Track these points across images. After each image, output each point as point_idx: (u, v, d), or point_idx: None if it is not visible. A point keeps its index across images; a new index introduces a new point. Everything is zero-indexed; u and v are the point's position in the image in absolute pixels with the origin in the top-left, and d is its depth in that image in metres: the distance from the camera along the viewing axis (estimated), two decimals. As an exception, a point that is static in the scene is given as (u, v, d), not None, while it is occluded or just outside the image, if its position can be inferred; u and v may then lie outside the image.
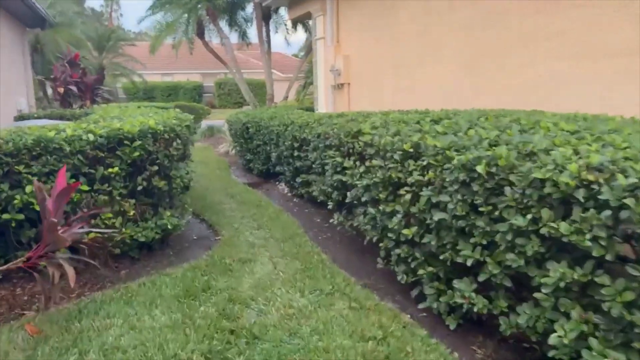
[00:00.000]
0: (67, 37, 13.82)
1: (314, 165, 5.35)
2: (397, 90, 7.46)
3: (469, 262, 2.58)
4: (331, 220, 4.69)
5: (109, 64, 17.94)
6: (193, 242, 5.06)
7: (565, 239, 2.06)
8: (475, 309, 2.69)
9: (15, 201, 3.52)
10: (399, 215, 3.19)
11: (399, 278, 3.46)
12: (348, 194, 4.04)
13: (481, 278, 2.55)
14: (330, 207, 4.77)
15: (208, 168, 9.73)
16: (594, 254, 1.95)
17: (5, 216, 3.53)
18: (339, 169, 4.23)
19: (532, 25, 5.00)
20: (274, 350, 2.80)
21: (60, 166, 3.68)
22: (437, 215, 2.72)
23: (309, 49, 16.64)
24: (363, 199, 3.68)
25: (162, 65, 33.29)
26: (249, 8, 16.86)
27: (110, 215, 3.98)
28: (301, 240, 4.80)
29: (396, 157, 3.13)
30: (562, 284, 2.11)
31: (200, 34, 16.01)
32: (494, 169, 2.36)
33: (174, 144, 4.41)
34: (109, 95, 11.53)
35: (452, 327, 3.02)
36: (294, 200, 6.85)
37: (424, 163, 2.87)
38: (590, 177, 1.97)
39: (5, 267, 3.11)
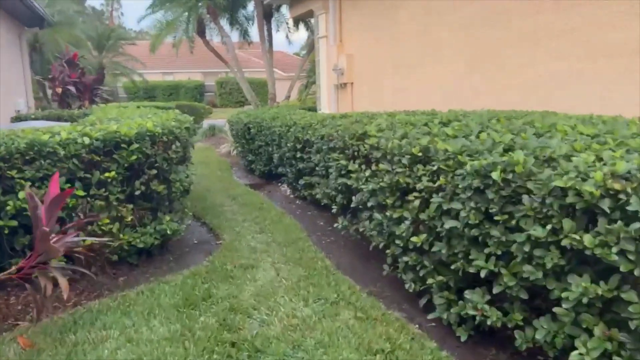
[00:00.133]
0: (66, 36, 13.69)
1: (317, 168, 5.22)
2: (400, 90, 7.33)
3: (482, 274, 2.44)
4: (335, 225, 4.55)
5: (109, 64, 17.81)
6: (193, 246, 4.93)
7: (588, 252, 1.93)
8: (488, 322, 2.55)
9: (8, 207, 3.40)
10: (407, 222, 3.06)
11: (406, 286, 3.33)
12: (353, 198, 3.90)
13: (496, 290, 2.42)
14: (334, 211, 4.64)
15: (209, 169, 9.61)
16: (622, 269, 1.82)
17: (-3, 223, 3.40)
18: (343, 172, 4.09)
19: (532, 25, 4.88)
20: (277, 364, 2.68)
21: (55, 171, 3.56)
22: (449, 223, 2.58)
23: (310, 47, 16.50)
24: (369, 204, 3.55)
25: (163, 64, 33.16)
26: (250, 6, 16.71)
27: (107, 221, 3.85)
28: (304, 245, 4.67)
29: (404, 161, 3.00)
30: (584, 300, 1.97)
31: (201, 32, 15.86)
32: (510, 176, 2.22)
33: (173, 146, 4.28)
34: (108, 95, 11.40)
35: (462, 338, 2.88)
36: (297, 202, 6.72)
37: (434, 168, 2.74)
38: (617, 186, 1.83)
39: (-4, 277, 2.99)
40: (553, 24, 4.62)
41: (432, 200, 2.73)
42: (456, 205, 2.53)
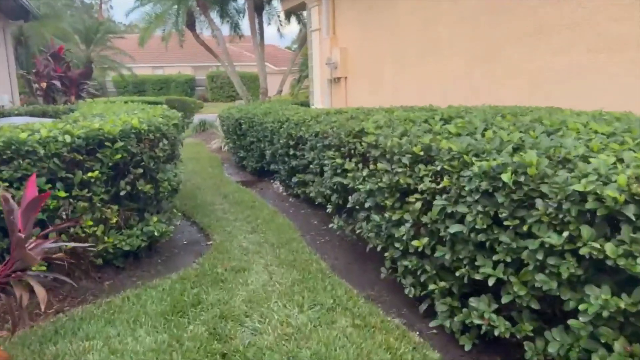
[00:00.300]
0: (52, 29, 13.35)
1: (311, 166, 5.04)
2: (397, 85, 7.15)
3: (490, 282, 2.28)
4: (330, 225, 4.38)
5: (97, 57, 17.44)
6: (183, 247, 4.75)
7: (610, 262, 1.77)
8: (496, 332, 2.39)
9: (-16, 210, 3.19)
10: (408, 225, 2.89)
11: (406, 291, 3.18)
12: (350, 198, 3.73)
13: (505, 299, 2.26)
14: (329, 210, 4.46)
15: (200, 165, 9.41)
16: (648, 281, 1.66)
17: (-28, 226, 3.20)
18: (339, 171, 3.92)
19: (534, 19, 4.72)
20: (271, 379, 2.51)
21: (34, 171, 3.36)
22: (454, 228, 2.42)
23: (302, 41, 16.28)
24: (366, 205, 3.38)
25: (153, 58, 32.78)
26: (241, -1, 16.47)
27: (91, 223, 3.65)
28: (298, 246, 4.50)
29: (405, 160, 2.83)
30: (605, 313, 1.81)
31: (191, 25, 15.59)
32: (522, 178, 2.06)
33: (160, 144, 4.08)
34: (96, 90, 11.11)
35: (467, 347, 2.72)
36: (290, 200, 6.54)
37: (437, 168, 2.57)
38: (643, 191, 1.67)
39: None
40: (555, 17, 4.46)
41: (435, 202, 2.57)
42: (462, 208, 2.37)
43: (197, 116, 18.43)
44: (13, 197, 3.23)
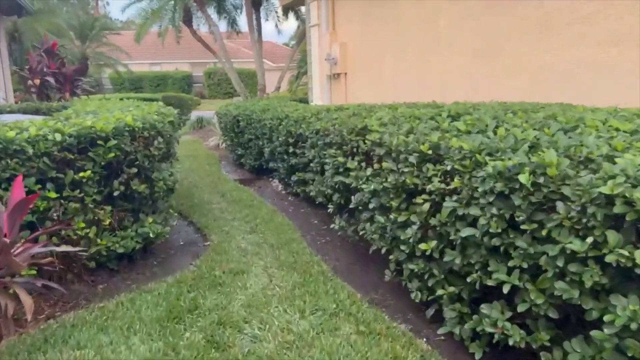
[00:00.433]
0: (47, 25, 13.15)
1: (311, 164, 4.89)
2: (398, 81, 7.00)
3: (505, 289, 2.14)
4: (332, 226, 4.24)
5: (92, 54, 17.23)
6: (179, 248, 4.61)
7: (639, 271, 1.64)
8: (510, 342, 2.26)
9: (-30, 212, 3.04)
10: (415, 227, 2.75)
11: (412, 296, 3.04)
12: (352, 198, 3.59)
13: (521, 308, 2.12)
14: (330, 210, 4.32)
15: (197, 163, 9.26)
16: (684, 292, 1.53)
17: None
18: (340, 170, 3.78)
19: (540, 12, 4.58)
20: (272, 392, 2.38)
21: (22, 171, 3.21)
22: (465, 232, 2.28)
23: (300, 37, 16.11)
24: (370, 206, 3.24)
25: (150, 54, 32.52)
26: (238, -6, 16.28)
27: (83, 224, 3.51)
28: (298, 247, 4.36)
29: (412, 159, 2.69)
30: (633, 325, 1.68)
31: (188, 21, 15.39)
32: (541, 180, 1.92)
33: (155, 142, 3.93)
34: (90, 87, 10.92)
35: (477, 356, 2.58)
36: (289, 198, 6.40)
37: (447, 168, 2.43)
38: (677, 194, 1.54)
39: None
40: (563, 10, 4.32)
41: (444, 204, 2.43)
42: (474, 211, 2.23)
43: (194, 113, 18.24)
44: (1, 198, 3.10)
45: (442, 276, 2.71)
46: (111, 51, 18.51)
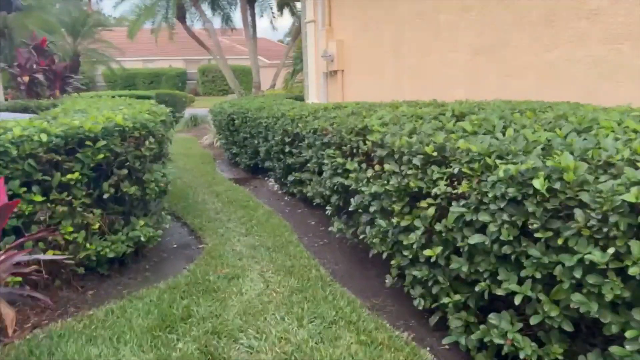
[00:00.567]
0: (37, 21, 12.91)
1: (308, 164, 4.75)
2: (396, 78, 6.87)
3: (517, 300, 2.02)
4: (330, 229, 4.11)
5: (84, 51, 16.98)
6: (172, 251, 4.47)
7: (666, 284, 1.52)
8: (521, 355, 2.14)
9: (-50, 217, 2.89)
10: (419, 232, 2.63)
11: (415, 303, 2.91)
12: (352, 200, 3.46)
13: (534, 321, 2.00)
14: (328, 212, 4.19)
15: (191, 162, 9.11)
16: None
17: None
18: (339, 171, 3.65)
19: (545, 7, 4.45)
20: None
21: (7, 173, 3.06)
22: (474, 239, 2.16)
23: (295, 34, 15.96)
24: (371, 209, 3.11)
25: (144, 51, 32.23)
26: (233, -10, 16.09)
27: (71, 229, 3.36)
28: (295, 250, 4.23)
29: (416, 161, 2.56)
30: (659, 343, 1.56)
31: (182, 18, 15.20)
32: (557, 185, 1.79)
33: (147, 142, 3.79)
34: (81, 84, 10.71)
35: (484, 367, 2.47)
36: (285, 198, 6.27)
37: (454, 171, 2.30)
38: None
39: None
40: (570, 5, 4.18)
41: (451, 209, 2.30)
42: (484, 217, 2.11)
43: (188, 110, 18.05)
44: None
45: (448, 283, 2.59)
46: (104, 48, 18.27)
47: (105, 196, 3.55)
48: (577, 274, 1.77)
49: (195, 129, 14.76)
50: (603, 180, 1.70)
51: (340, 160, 3.57)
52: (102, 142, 3.38)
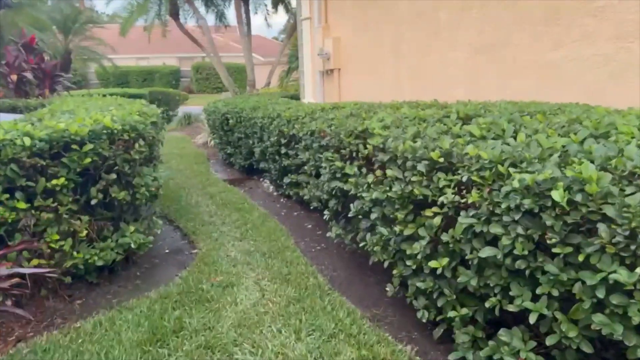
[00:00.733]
0: (27, 18, 12.65)
1: (305, 167, 4.60)
2: (395, 77, 6.72)
3: (532, 318, 1.89)
4: (328, 234, 3.97)
5: (76, 48, 16.71)
6: (164, 257, 4.31)
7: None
8: (535, 376, 2.01)
9: None
10: (423, 242, 2.49)
11: (418, 315, 2.78)
12: (351, 206, 3.31)
13: (550, 341, 1.87)
14: (326, 217, 4.04)
15: (184, 162, 8.93)
16: None
17: None
18: (338, 175, 3.50)
19: (550, 4, 4.31)
20: None
21: (-13, 179, 2.90)
22: (485, 252, 2.02)
23: (290, 31, 15.79)
24: (372, 216, 2.97)
25: (137, 49, 31.94)
26: (226, -14, 15.89)
27: (57, 237, 3.20)
28: (292, 256, 4.09)
29: (420, 168, 2.42)
30: (692, 371, 1.43)
31: (175, 15, 14.99)
32: (578, 197, 1.66)
33: (136, 145, 3.62)
34: (71, 82, 10.50)
35: (493, 385, 2.34)
36: (281, 200, 6.11)
37: (463, 179, 2.16)
38: None
39: None
40: (575, 1, 4.04)
41: (460, 219, 2.16)
42: (495, 229, 1.97)
43: (182, 108, 17.84)
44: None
45: (454, 296, 2.45)
46: (96, 45, 17.99)
47: (93, 202, 3.39)
48: (600, 294, 1.64)
49: (189, 128, 14.56)
50: (630, 193, 1.56)
51: (338, 163, 3.42)
52: (89, 146, 3.22)
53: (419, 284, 2.66)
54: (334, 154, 3.56)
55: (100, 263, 3.47)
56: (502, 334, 2.18)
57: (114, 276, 3.79)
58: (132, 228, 3.70)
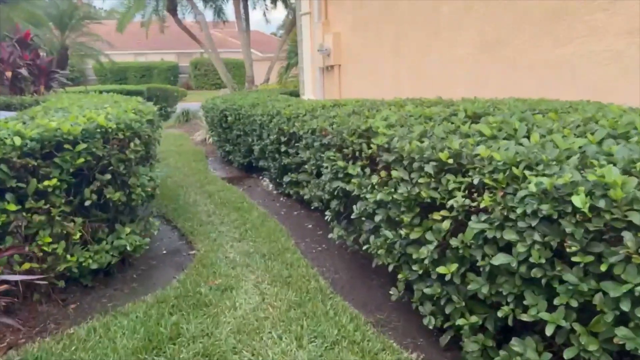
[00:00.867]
0: (23, 14, 12.50)
1: (306, 166, 4.49)
2: (396, 73, 6.60)
3: (549, 330, 1.78)
4: (330, 236, 3.86)
5: (72, 44, 16.54)
6: (162, 258, 4.20)
7: None
8: (550, 389, 1.90)
9: None
10: (431, 246, 2.38)
11: (425, 322, 2.67)
12: (354, 207, 3.20)
13: (568, 355, 1.76)
14: (327, 218, 3.93)
15: (182, 159, 8.82)
16: None
17: None
18: (340, 175, 3.39)
19: (545, 6, 4.21)
20: None
21: (-24, 180, 2.79)
22: (498, 259, 1.91)
23: (289, 27, 15.64)
24: (376, 218, 2.86)
25: (135, 45, 31.75)
26: (225, -18, 15.73)
27: (49, 239, 3.09)
28: (293, 257, 3.98)
29: (428, 169, 2.30)
30: None
31: (173, 10, 14.83)
32: (601, 203, 1.55)
33: (132, 144, 3.51)
34: (69, 79, 10.35)
35: (504, 396, 2.23)
36: (281, 199, 6.00)
37: (474, 181, 2.05)
38: None
39: None
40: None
41: (470, 224, 2.05)
42: (510, 235, 1.86)
43: (180, 105, 17.69)
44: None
45: (463, 303, 2.35)
46: (93, 41, 17.83)
47: (87, 203, 3.27)
48: (625, 307, 1.53)
49: (187, 125, 14.42)
50: (658, 199, 1.45)
51: (341, 163, 3.31)
52: (82, 145, 3.10)
53: (425, 290, 2.56)
54: (336, 153, 3.45)
55: (94, 266, 3.36)
56: (515, 344, 2.08)
57: (110, 279, 3.69)
58: (127, 230, 3.59)
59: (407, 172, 2.49)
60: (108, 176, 3.33)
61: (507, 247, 1.93)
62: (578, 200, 1.57)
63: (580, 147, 1.93)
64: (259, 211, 5.32)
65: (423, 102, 3.76)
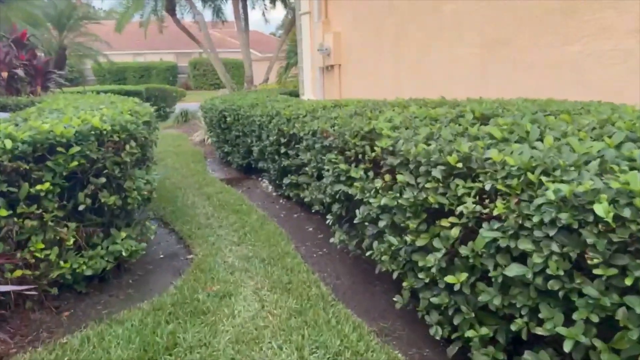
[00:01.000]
0: (20, 13, 12.39)
1: (306, 168, 4.38)
2: (397, 73, 6.49)
3: (567, 346, 1.67)
4: (331, 240, 3.75)
5: (71, 45, 16.42)
6: (158, 263, 4.10)
7: None
8: (567, 407, 1.80)
9: None
10: (438, 254, 2.27)
11: (431, 332, 2.56)
12: (357, 211, 3.10)
13: (588, 373, 1.65)
14: (329, 222, 3.83)
15: (181, 160, 8.72)
16: None
17: None
18: (342, 178, 3.28)
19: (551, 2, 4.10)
20: None
21: (-36, 185, 2.68)
22: (512, 270, 1.80)
23: (288, 26, 15.54)
24: (380, 223, 2.75)
25: (134, 45, 31.68)
26: (224, -19, 15.62)
27: (42, 245, 2.98)
28: (293, 262, 3.87)
29: (436, 173, 2.20)
30: None
31: (171, 10, 14.72)
32: (626, 212, 1.44)
33: (127, 147, 3.40)
34: (66, 79, 10.24)
35: (516, 412, 2.13)
36: (280, 201, 5.90)
37: (486, 187, 1.95)
38: None
39: None
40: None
41: (481, 232, 1.95)
42: (525, 244, 1.75)
43: (179, 105, 17.58)
44: None
45: (472, 314, 2.24)
46: (92, 41, 17.71)
47: (81, 207, 3.17)
48: (651, 323, 1.43)
49: (186, 125, 14.32)
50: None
51: (343, 166, 3.20)
52: (76, 148, 3.00)
53: (432, 299, 2.45)
54: (338, 156, 3.34)
55: (89, 272, 3.26)
56: (528, 359, 1.97)
57: (105, 285, 3.58)
58: (123, 234, 3.49)
59: (413, 177, 2.38)
60: (103, 179, 3.22)
61: (521, 257, 1.83)
62: (600, 209, 1.46)
63: (598, 151, 1.83)
64: (258, 214, 5.22)
65: (427, 102, 3.65)
